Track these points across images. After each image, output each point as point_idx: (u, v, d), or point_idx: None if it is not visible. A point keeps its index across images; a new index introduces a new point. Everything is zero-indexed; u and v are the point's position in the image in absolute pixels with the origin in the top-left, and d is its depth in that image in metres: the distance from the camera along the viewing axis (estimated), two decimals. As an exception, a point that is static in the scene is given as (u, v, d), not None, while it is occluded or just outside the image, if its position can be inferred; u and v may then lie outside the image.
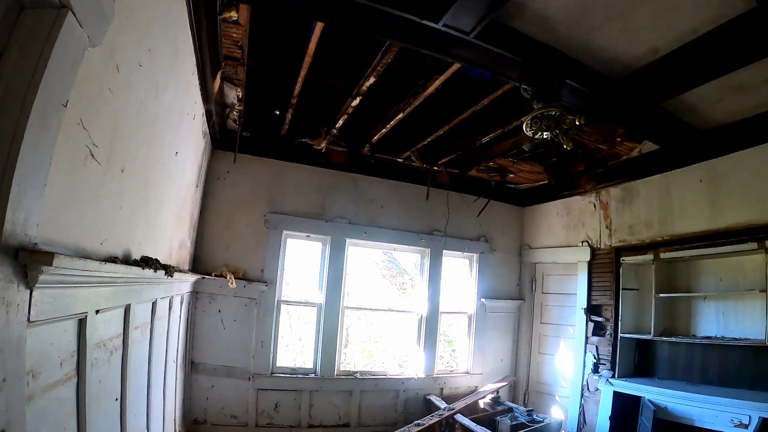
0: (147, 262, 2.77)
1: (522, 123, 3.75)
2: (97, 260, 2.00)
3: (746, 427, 4.51)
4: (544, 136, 3.65)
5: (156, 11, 2.36)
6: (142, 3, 2.09)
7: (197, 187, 5.23)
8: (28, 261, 1.38)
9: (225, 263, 5.60)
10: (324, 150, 6.06)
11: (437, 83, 4.10)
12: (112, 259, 2.28)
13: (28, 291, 1.43)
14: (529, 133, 3.66)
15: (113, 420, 2.65)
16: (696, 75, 3.72)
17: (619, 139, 5.48)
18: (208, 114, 4.74)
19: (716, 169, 5.15)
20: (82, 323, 1.99)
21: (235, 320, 5.68)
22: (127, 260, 2.59)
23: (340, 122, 5.15)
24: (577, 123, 3.52)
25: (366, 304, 8.39)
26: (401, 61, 3.85)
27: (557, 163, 6.34)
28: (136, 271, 2.57)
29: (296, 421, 5.89)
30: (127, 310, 2.71)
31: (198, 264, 5.54)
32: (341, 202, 6.32)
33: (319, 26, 3.37)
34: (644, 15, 3.13)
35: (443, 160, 6.38)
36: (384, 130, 5.29)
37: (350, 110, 4.79)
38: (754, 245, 4.65)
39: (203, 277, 5.28)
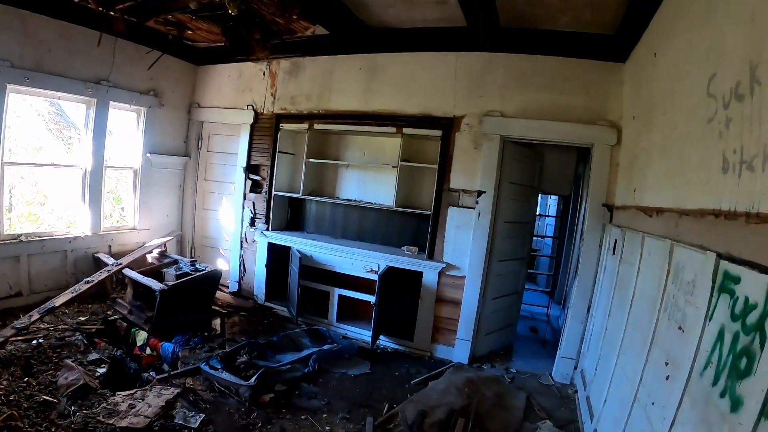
0: None
1: None
2: None
3: (376, 272, 6.93)
4: None
5: None
6: None
7: None
8: None
9: None
10: None
11: None
12: None
13: None
14: None
15: None
16: None
17: (295, 17, 6.72)
18: None
19: (375, 62, 7.32)
20: None
21: None
22: None
23: None
24: None
25: (29, 159, 9.21)
26: None
27: (234, 27, 7.48)
28: None
29: None
30: None
31: None
32: (5, 43, 6.37)
33: None
34: None
35: (120, 6, 6.87)
36: None
37: None
38: (393, 130, 7.05)
39: None
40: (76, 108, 8.44)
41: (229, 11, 5.06)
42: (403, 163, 7.00)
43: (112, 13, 7.17)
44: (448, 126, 6.76)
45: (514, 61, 6.38)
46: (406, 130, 6.98)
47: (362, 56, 7.45)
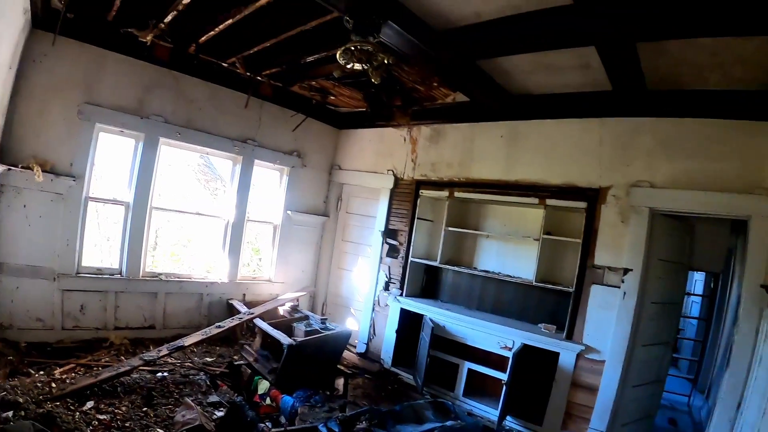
0: None
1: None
2: None
3: (510, 349, 6.80)
4: (356, 67, 5.05)
5: None
6: None
7: (11, 69, 5.86)
8: None
9: (34, 154, 6.45)
10: (149, 43, 6.90)
11: None
12: None
13: None
14: (342, 62, 4.96)
15: None
16: (511, 45, 5.27)
17: (435, 84, 7.34)
18: None
19: (517, 129, 7.57)
20: None
21: (41, 216, 6.58)
22: None
23: (170, 17, 6.03)
24: (386, 62, 5.03)
25: (176, 206, 10.10)
26: None
27: (376, 94, 8.13)
28: None
29: (102, 324, 7.21)
30: None
31: (4, 154, 6.18)
32: (160, 100, 7.56)
33: None
34: None
35: (267, 72, 7.84)
36: (212, 32, 6.40)
37: (181, 7, 5.66)
38: (536, 201, 7.12)
39: (9, 169, 6.03)
40: (223, 162, 9.62)
41: (372, 80, 5.55)
42: (545, 236, 7.04)
43: (259, 77, 8.31)
44: (593, 197, 6.71)
45: (661, 125, 6.25)
46: (548, 201, 7.05)
47: (503, 123, 7.75)
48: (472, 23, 5.07)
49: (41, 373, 6.00)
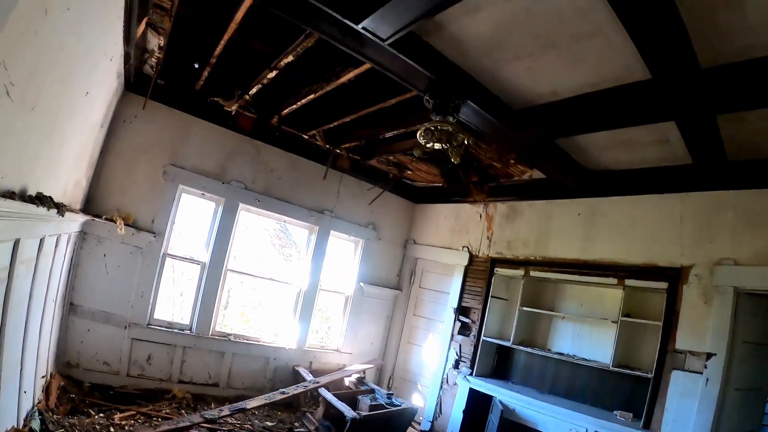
0: (41, 200, 3.43)
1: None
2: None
3: None
4: (435, 147, 5.07)
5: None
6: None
7: (102, 127, 6.25)
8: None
9: (117, 207, 6.85)
10: (234, 113, 7.47)
11: (351, 75, 5.34)
12: (9, 194, 2.88)
13: None
14: (422, 141, 5.02)
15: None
16: (589, 123, 5.23)
17: (512, 161, 7.44)
18: (126, 56, 5.64)
19: (595, 207, 7.34)
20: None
21: (119, 266, 6.94)
22: (23, 195, 3.21)
23: (254, 90, 6.41)
24: (466, 142, 5.15)
25: (250, 269, 10.16)
26: (321, 46, 4.80)
27: (453, 169, 8.24)
28: (30, 208, 3.20)
29: (167, 375, 7.38)
30: (16, 244, 3.36)
31: (90, 204, 6.61)
32: (241, 167, 7.97)
33: (247, 1, 4.39)
34: (551, 60, 4.27)
35: (346, 145, 8.19)
36: (294, 106, 6.70)
37: (265, 81, 6.02)
38: (614, 281, 6.81)
39: (93, 219, 6.34)
40: (298, 230, 9.89)
41: (452, 160, 5.59)
42: (623, 318, 6.65)
43: (338, 150, 8.62)
44: (674, 277, 6.29)
45: (744, 198, 5.89)
46: (627, 282, 6.70)
47: (581, 201, 7.57)
48: (550, 101, 5.05)
49: (101, 415, 6.15)
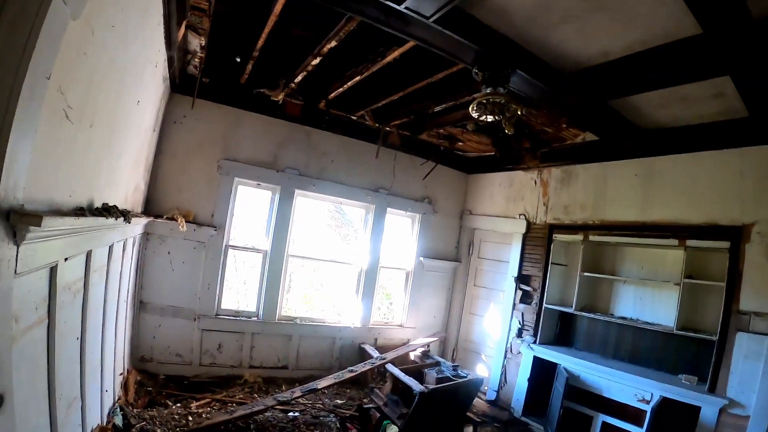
0: (109, 211, 3.56)
1: (472, 99, 5.13)
2: (70, 213, 2.74)
3: (648, 402, 6.37)
4: (488, 119, 5.10)
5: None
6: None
7: (154, 131, 6.39)
8: (19, 223, 1.94)
9: (177, 206, 7.07)
10: (281, 102, 7.56)
11: (396, 54, 5.34)
12: (80, 210, 3.02)
13: (16, 247, 2.02)
14: (475, 115, 5.09)
15: (74, 356, 3.46)
16: (642, 83, 5.11)
17: (564, 125, 7.29)
18: (170, 60, 5.74)
19: (652, 166, 7.08)
20: (53, 271, 2.70)
21: (184, 262, 7.22)
22: (90, 208, 3.35)
23: (299, 78, 6.47)
24: (519, 113, 5.12)
25: (310, 253, 10.33)
26: (364, 28, 4.75)
27: (504, 137, 8.10)
28: (100, 221, 3.36)
29: (238, 362, 7.69)
30: (89, 255, 3.52)
31: (150, 205, 6.86)
32: (293, 154, 8.11)
33: None
34: (600, 21, 4.18)
35: (395, 122, 8.19)
36: (341, 89, 6.69)
37: (310, 68, 6.05)
38: (675, 242, 6.62)
39: (155, 220, 6.61)
40: (355, 210, 10.04)
41: (506, 131, 5.65)
42: (686, 280, 6.49)
43: (387, 128, 8.62)
44: (736, 236, 6.08)
45: None
46: (689, 242, 6.54)
47: (636, 161, 7.35)
48: (601, 63, 4.96)
49: (178, 405, 6.48)
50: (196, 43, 5.89)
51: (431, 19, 4.23)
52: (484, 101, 4.97)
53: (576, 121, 7.05)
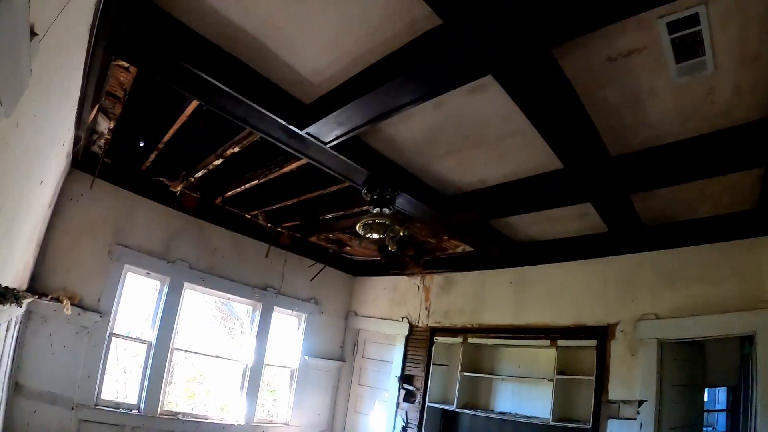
0: (4, 295, 3.36)
1: (361, 211, 5.77)
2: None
3: None
4: (374, 237, 5.54)
5: (59, 63, 2.84)
6: (49, 60, 2.46)
7: (50, 206, 6.06)
8: None
9: (63, 287, 6.61)
10: (179, 193, 7.45)
11: (293, 165, 5.70)
12: None
13: None
14: (361, 233, 5.49)
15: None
16: (513, 207, 5.83)
17: (445, 237, 7.76)
18: (77, 139, 5.63)
19: (525, 274, 7.86)
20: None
21: (65, 346, 6.62)
22: None
23: (200, 173, 6.57)
24: (402, 234, 5.61)
25: (196, 347, 10.19)
26: (266, 141, 5.03)
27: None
28: None
29: None
30: None
31: (35, 282, 6.34)
32: (186, 246, 7.91)
33: (194, 102, 4.64)
34: (479, 155, 4.86)
35: (288, 224, 8.41)
36: (238, 189, 6.90)
37: (211, 167, 6.21)
38: (547, 342, 7.18)
39: (39, 299, 6.10)
40: (242, 306, 9.89)
41: (390, 248, 6.13)
42: (558, 376, 7.00)
43: (279, 229, 8.85)
44: (602, 335, 6.75)
45: (661, 258, 6.43)
46: (560, 342, 7.10)
47: (511, 270, 8.05)
48: (479, 188, 5.69)
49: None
50: (105, 125, 5.90)
51: (329, 145, 4.66)
52: (370, 222, 5.40)
53: (456, 236, 7.46)
